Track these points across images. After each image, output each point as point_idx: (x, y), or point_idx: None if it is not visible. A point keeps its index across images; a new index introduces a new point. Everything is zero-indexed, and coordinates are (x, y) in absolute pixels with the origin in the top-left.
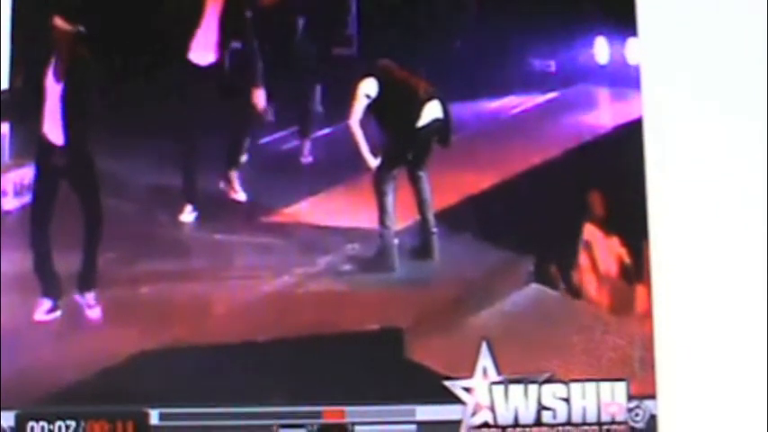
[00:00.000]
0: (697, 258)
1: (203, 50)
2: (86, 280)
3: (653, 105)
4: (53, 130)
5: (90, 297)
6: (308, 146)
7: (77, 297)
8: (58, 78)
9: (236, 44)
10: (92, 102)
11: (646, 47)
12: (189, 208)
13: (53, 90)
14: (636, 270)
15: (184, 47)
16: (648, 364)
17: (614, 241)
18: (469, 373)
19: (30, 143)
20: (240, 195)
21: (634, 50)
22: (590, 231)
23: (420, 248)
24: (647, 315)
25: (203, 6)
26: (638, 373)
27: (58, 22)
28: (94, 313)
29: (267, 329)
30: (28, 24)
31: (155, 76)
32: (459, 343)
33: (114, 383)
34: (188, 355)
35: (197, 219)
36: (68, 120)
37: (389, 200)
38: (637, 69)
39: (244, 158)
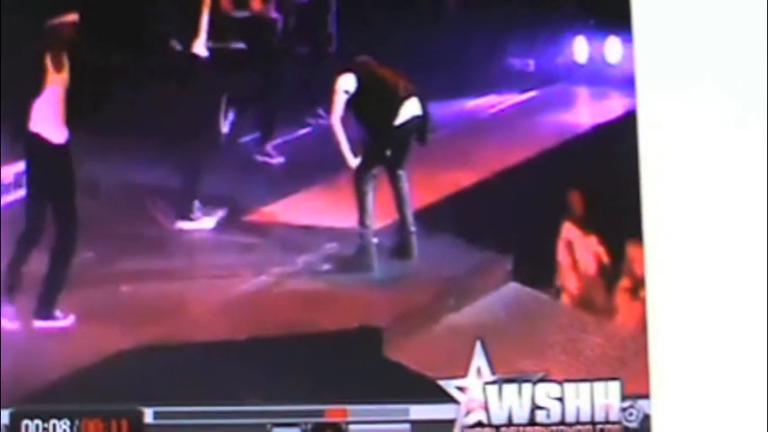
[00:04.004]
0: (690, 257)
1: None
2: (53, 294)
3: (647, 103)
4: (50, 126)
5: (57, 313)
6: (270, 148)
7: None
8: (58, 69)
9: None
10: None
11: (640, 44)
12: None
13: (55, 83)
14: (614, 269)
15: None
16: (628, 362)
17: (592, 240)
18: (449, 372)
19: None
20: (209, 223)
21: (613, 49)
22: (569, 230)
23: (399, 248)
24: (629, 313)
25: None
26: (618, 371)
27: (70, 16)
28: (67, 322)
29: (245, 329)
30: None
31: (144, 71)
32: (439, 342)
33: (91, 383)
34: (167, 354)
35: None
36: (70, 113)
37: (369, 199)
38: (615, 68)
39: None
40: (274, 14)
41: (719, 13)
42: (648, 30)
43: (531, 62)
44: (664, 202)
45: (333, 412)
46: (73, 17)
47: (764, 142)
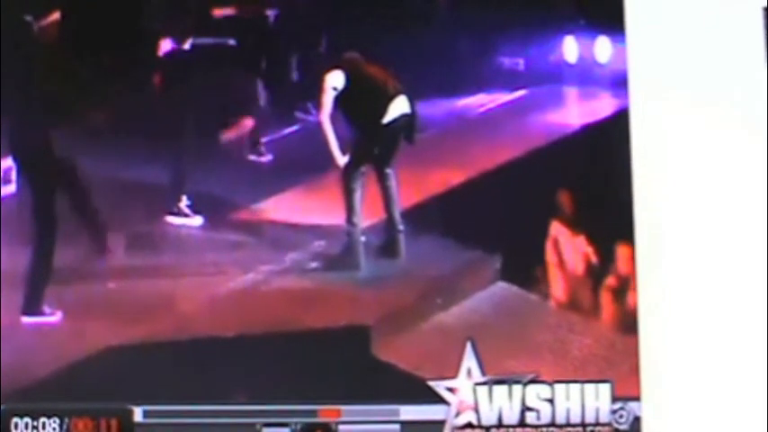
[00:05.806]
0: (681, 258)
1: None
2: (40, 290)
3: (638, 102)
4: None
5: (45, 308)
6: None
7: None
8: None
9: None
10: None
11: (632, 44)
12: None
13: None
14: (603, 269)
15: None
16: (615, 363)
17: (581, 240)
18: (439, 372)
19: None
20: (196, 220)
21: (603, 49)
22: (557, 228)
23: (386, 246)
24: (617, 314)
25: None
26: (605, 371)
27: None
28: (55, 318)
29: (232, 326)
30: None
31: (124, 69)
32: (426, 341)
33: (78, 379)
34: (154, 351)
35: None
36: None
37: (357, 197)
38: (605, 68)
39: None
40: (266, 11)
41: (712, 12)
42: (641, 29)
43: (521, 61)
44: (653, 202)
45: (326, 412)
46: (56, 16)
47: (763, 141)
